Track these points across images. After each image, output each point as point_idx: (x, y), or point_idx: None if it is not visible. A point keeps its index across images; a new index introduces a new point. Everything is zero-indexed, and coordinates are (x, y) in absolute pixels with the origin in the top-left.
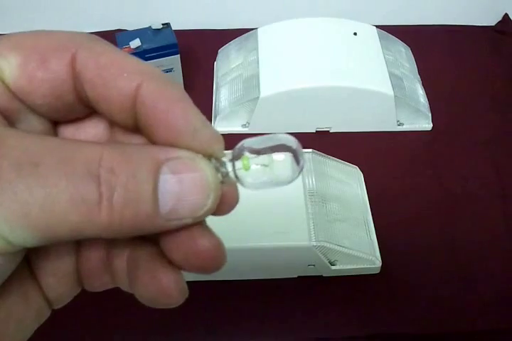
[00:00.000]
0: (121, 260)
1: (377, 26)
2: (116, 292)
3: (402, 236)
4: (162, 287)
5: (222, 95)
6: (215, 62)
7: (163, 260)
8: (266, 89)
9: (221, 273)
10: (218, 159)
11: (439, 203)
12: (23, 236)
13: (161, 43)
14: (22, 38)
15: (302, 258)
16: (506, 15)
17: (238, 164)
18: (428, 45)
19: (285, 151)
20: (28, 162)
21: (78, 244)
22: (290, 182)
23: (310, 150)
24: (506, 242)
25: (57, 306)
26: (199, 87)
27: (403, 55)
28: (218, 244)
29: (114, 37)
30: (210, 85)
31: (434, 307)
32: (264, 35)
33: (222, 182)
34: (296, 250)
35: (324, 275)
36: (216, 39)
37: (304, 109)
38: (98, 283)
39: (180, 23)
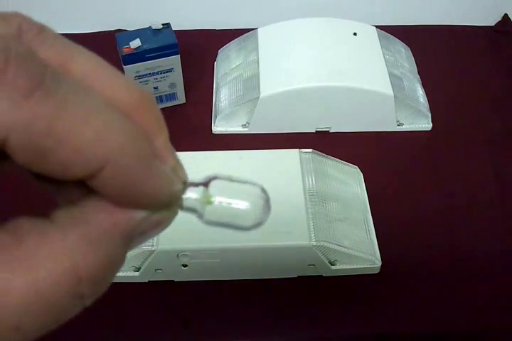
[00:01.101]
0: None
1: (377, 26)
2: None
3: (402, 236)
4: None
5: (222, 95)
6: (215, 62)
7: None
8: (266, 89)
9: (221, 273)
10: (185, 183)
11: (439, 203)
12: None
13: (161, 43)
14: None
15: (302, 258)
16: (506, 15)
17: (203, 195)
18: (428, 45)
19: (255, 197)
20: None
21: None
22: (247, 230)
23: (310, 150)
24: (506, 242)
25: None
26: (199, 87)
27: (403, 55)
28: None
29: (114, 37)
30: (210, 85)
31: (434, 307)
32: (264, 35)
33: (178, 206)
34: (296, 250)
35: (324, 275)
36: (216, 39)
37: (304, 109)
38: None
39: (180, 23)
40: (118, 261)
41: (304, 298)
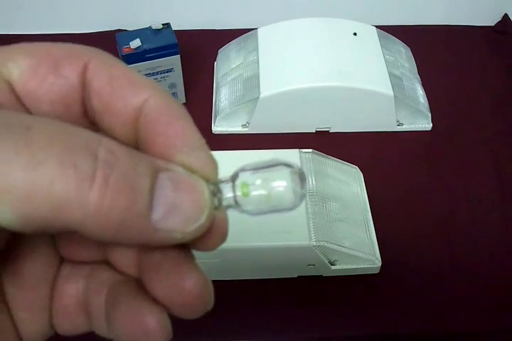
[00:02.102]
0: (99, 296)
1: (377, 26)
2: None
3: (402, 236)
4: (145, 327)
5: (222, 95)
6: (215, 62)
7: (146, 297)
8: (266, 89)
9: (221, 272)
10: (215, 183)
11: (439, 203)
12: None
13: (161, 43)
14: (34, 46)
15: (302, 258)
16: (506, 15)
17: (237, 190)
18: (428, 45)
19: (286, 175)
20: (18, 124)
21: (56, 274)
22: (291, 209)
23: (310, 150)
24: (506, 242)
25: None
26: (199, 87)
27: (403, 55)
28: (206, 284)
29: (114, 37)
30: (210, 85)
31: (434, 307)
32: (264, 35)
33: (216, 208)
34: (296, 250)
35: (324, 275)
36: (216, 39)
37: (304, 109)
38: (70, 325)
39: (180, 23)
40: None
41: (304, 298)
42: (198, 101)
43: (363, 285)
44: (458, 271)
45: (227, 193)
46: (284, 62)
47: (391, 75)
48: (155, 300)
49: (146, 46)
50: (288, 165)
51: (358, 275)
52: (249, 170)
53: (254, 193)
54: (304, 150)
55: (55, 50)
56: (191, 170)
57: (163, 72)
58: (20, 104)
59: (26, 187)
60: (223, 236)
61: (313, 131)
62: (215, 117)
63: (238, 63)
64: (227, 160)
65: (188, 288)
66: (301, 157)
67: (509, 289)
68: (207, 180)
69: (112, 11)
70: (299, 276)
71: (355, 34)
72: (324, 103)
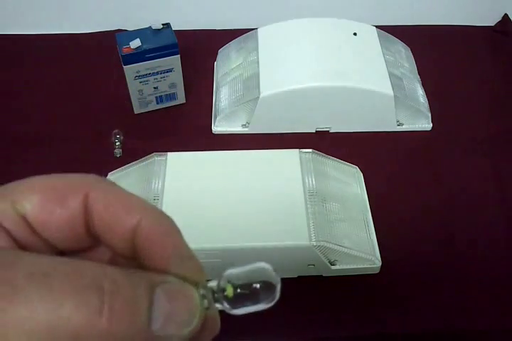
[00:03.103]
0: None
1: (377, 26)
2: None
3: (402, 236)
4: None
5: (222, 95)
6: (215, 62)
7: None
8: (266, 89)
9: (221, 273)
10: (204, 287)
11: (439, 203)
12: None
13: (161, 43)
14: (40, 180)
15: (302, 258)
16: (506, 15)
17: (223, 292)
18: (428, 45)
19: (265, 283)
20: (39, 271)
21: None
22: (268, 307)
23: (310, 150)
24: (506, 242)
25: None
26: (199, 87)
27: (403, 55)
28: None
29: (114, 37)
30: (210, 85)
31: (433, 307)
32: (264, 35)
33: (206, 309)
34: (296, 250)
35: (324, 275)
36: (216, 39)
37: (304, 109)
38: None
39: (180, 23)
40: None
41: (304, 298)
42: (198, 101)
43: (363, 285)
44: (458, 271)
45: (214, 295)
46: (284, 62)
47: (391, 75)
48: None
49: (146, 46)
50: (269, 276)
51: (358, 275)
52: (234, 273)
53: (237, 293)
54: (304, 150)
55: (60, 184)
56: (183, 278)
57: (163, 72)
58: (35, 234)
59: (50, 325)
60: (215, 331)
61: (313, 131)
62: (215, 117)
63: (238, 63)
64: (228, 160)
65: None
66: (301, 157)
67: (509, 289)
68: (196, 285)
69: (112, 11)
70: (299, 276)
71: (355, 34)
72: (324, 103)
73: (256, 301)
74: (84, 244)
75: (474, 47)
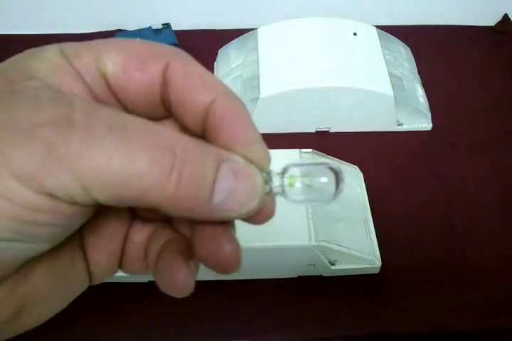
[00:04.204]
0: (157, 244)
1: (377, 26)
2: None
3: (402, 236)
4: (174, 279)
5: None
6: (215, 63)
7: (186, 255)
8: (266, 89)
9: None
10: (268, 173)
11: (439, 203)
12: (99, 189)
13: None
14: (126, 43)
15: (302, 258)
16: (506, 15)
17: (285, 180)
18: (428, 45)
19: (328, 174)
20: (118, 125)
21: (129, 227)
22: (328, 202)
23: (310, 150)
24: (506, 242)
25: (94, 283)
26: None
27: (403, 55)
28: (237, 250)
29: (114, 37)
30: None
31: (434, 307)
32: (264, 35)
33: (267, 194)
34: (296, 250)
35: (324, 275)
36: (216, 39)
37: (304, 109)
38: (136, 267)
39: (180, 23)
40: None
41: (304, 298)
42: None
43: (363, 285)
44: (458, 271)
45: (277, 183)
46: (284, 62)
47: (391, 75)
48: (192, 258)
49: None
50: (330, 167)
51: (358, 275)
52: (298, 165)
53: (298, 185)
54: (304, 150)
55: (144, 49)
56: (249, 161)
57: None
58: (112, 93)
59: (123, 177)
60: (270, 215)
61: (313, 131)
62: None
63: (238, 63)
64: None
65: (222, 251)
66: (301, 157)
67: (509, 289)
68: (261, 170)
69: (112, 11)
70: (299, 276)
71: (355, 34)
72: (324, 103)
73: (315, 195)
74: (157, 114)
75: (474, 47)
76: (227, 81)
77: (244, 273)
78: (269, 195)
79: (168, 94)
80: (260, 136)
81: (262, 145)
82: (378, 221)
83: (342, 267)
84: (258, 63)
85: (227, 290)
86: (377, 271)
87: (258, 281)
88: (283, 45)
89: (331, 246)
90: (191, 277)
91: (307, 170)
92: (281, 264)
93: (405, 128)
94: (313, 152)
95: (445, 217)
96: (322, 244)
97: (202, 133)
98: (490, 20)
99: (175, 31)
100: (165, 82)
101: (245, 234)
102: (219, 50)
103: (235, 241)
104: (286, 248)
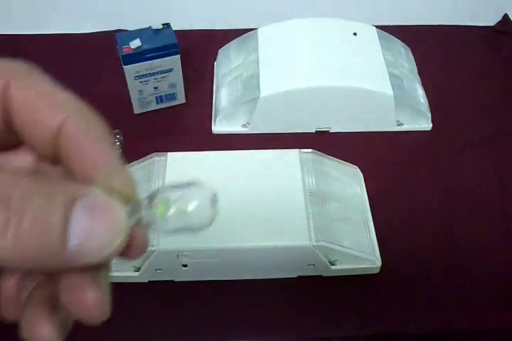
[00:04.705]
0: (27, 291)
1: (377, 26)
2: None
3: (402, 236)
4: (35, 336)
5: (222, 95)
6: (215, 62)
7: (55, 302)
8: (266, 89)
9: (221, 273)
10: (135, 202)
11: (439, 203)
12: None
13: (161, 43)
14: None
15: (302, 258)
16: (506, 15)
17: (154, 209)
18: (428, 45)
19: (201, 198)
20: None
21: None
22: (203, 229)
23: (310, 150)
24: (506, 242)
25: None
26: (199, 87)
27: (403, 55)
28: (102, 299)
29: (114, 37)
30: (210, 85)
31: (434, 307)
32: (264, 35)
33: (135, 226)
34: (296, 250)
35: (324, 275)
36: (216, 39)
37: (304, 109)
38: (11, 312)
39: (180, 23)
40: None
41: (304, 298)
42: (198, 101)
43: (363, 285)
44: (458, 270)
45: (146, 212)
46: (284, 62)
47: (391, 75)
48: (56, 307)
49: (146, 46)
50: (201, 187)
51: (358, 275)
52: (167, 190)
53: (171, 212)
54: (304, 150)
55: None
56: (111, 191)
57: (163, 72)
58: None
59: None
60: (143, 250)
61: (313, 131)
62: (215, 117)
63: (238, 63)
64: (227, 160)
65: (85, 303)
66: (301, 157)
67: (509, 289)
68: (127, 200)
69: (112, 11)
70: (299, 276)
71: (355, 34)
72: (324, 103)
73: (189, 222)
74: (7, 142)
75: (474, 47)
76: (227, 81)
77: (245, 273)
78: (140, 227)
79: (12, 119)
80: (120, 160)
81: (123, 170)
82: (378, 221)
83: (342, 267)
84: (258, 63)
85: (227, 290)
86: (377, 271)
87: (258, 281)
88: (283, 45)
89: (331, 246)
90: (55, 333)
91: (179, 193)
92: (281, 264)
93: (405, 128)
94: (313, 152)
95: (445, 217)
96: (322, 244)
97: (57, 158)
98: (490, 20)
99: (175, 31)
100: (5, 105)
101: (245, 234)
102: (219, 50)
103: (100, 289)
104: (286, 248)
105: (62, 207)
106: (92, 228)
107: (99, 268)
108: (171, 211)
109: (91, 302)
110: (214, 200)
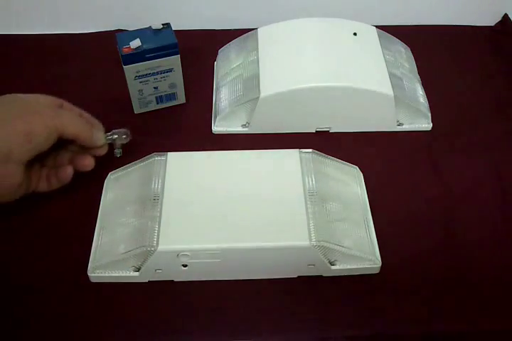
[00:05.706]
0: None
1: (377, 26)
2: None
3: (402, 236)
4: (63, 170)
5: (222, 95)
6: (215, 62)
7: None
8: (266, 89)
9: (221, 273)
10: (106, 134)
11: (439, 203)
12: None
13: (161, 43)
14: None
15: (302, 258)
16: (506, 15)
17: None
18: (428, 45)
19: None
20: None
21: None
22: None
23: (310, 150)
24: (506, 242)
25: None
26: (199, 87)
27: (403, 55)
28: (92, 163)
29: (114, 37)
30: (210, 85)
31: (434, 307)
32: (264, 35)
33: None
34: (296, 250)
35: (324, 275)
36: (216, 39)
37: (304, 109)
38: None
39: (180, 23)
40: None
41: (304, 298)
42: (198, 101)
43: (363, 285)
44: (458, 270)
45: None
46: (284, 62)
47: (391, 75)
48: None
49: (146, 46)
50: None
51: (358, 275)
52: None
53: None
54: (304, 150)
55: None
56: (99, 131)
57: (163, 72)
58: None
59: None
60: (102, 151)
61: (313, 131)
62: (215, 117)
63: (238, 63)
64: (227, 160)
65: (84, 161)
66: (301, 157)
67: (509, 289)
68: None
69: (112, 11)
70: (298, 276)
71: (355, 34)
72: (324, 103)
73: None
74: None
75: (474, 47)
76: (227, 81)
77: (245, 273)
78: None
79: (63, 136)
80: (99, 125)
81: (101, 128)
82: (378, 221)
83: (342, 267)
84: (258, 63)
85: (227, 290)
86: (377, 271)
87: (258, 281)
88: (283, 45)
89: (331, 246)
90: (71, 170)
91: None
92: (281, 264)
93: (405, 128)
94: (313, 152)
95: (445, 217)
96: (322, 244)
97: None
98: (490, 20)
99: (175, 31)
100: (59, 131)
101: (245, 234)
102: (219, 50)
103: (91, 158)
104: (286, 248)
105: (92, 132)
106: (97, 135)
107: (100, 147)
108: (115, 136)
109: (86, 161)
110: (127, 133)
